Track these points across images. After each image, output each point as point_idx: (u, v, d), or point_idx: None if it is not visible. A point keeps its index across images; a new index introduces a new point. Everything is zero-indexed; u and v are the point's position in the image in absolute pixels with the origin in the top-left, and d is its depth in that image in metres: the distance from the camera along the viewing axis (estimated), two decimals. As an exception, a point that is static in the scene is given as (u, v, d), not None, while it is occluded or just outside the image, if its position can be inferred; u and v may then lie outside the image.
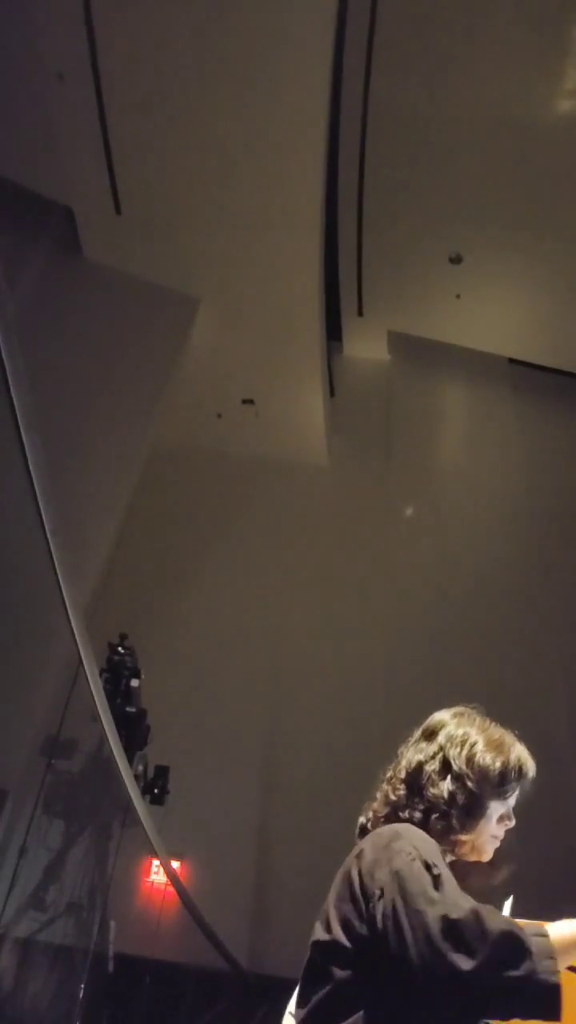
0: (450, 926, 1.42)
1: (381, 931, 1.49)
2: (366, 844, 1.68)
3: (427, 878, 1.51)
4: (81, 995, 6.51)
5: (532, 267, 10.37)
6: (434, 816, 1.71)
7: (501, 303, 10.98)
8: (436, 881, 1.50)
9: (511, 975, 1.40)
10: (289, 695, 10.32)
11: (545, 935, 1.47)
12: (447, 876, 1.53)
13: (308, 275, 9.75)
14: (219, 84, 8.09)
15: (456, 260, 10.48)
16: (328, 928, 1.61)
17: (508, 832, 1.83)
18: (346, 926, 1.58)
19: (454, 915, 1.43)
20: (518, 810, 1.86)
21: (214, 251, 9.67)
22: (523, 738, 1.92)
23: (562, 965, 1.45)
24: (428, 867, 1.53)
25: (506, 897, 2.21)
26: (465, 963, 1.39)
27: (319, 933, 1.63)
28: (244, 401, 11.44)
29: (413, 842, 1.60)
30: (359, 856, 1.65)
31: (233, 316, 10.35)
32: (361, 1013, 1.50)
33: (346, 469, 11.98)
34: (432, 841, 1.65)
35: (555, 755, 8.89)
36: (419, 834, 1.66)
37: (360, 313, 11.71)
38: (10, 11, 7.59)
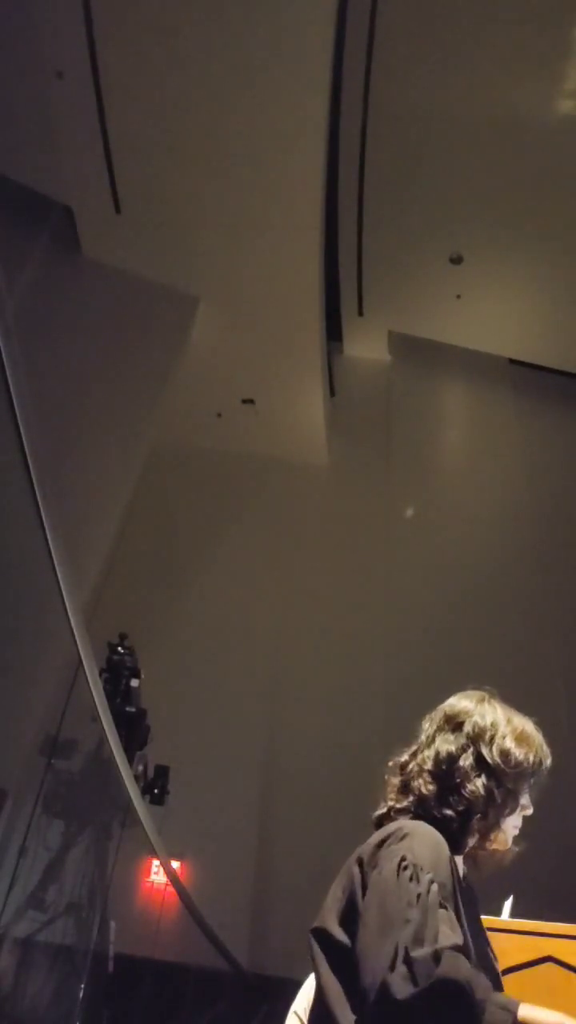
0: (405, 956, 1.35)
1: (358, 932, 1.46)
2: (374, 839, 1.63)
3: (410, 895, 1.44)
4: (81, 995, 6.51)
5: (533, 267, 10.37)
6: (476, 816, 1.65)
7: (501, 303, 10.97)
8: (419, 900, 1.43)
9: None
10: (289, 695, 10.32)
11: (508, 1009, 1.34)
12: (433, 903, 1.45)
13: (308, 275, 9.75)
14: (219, 83, 8.09)
15: (456, 260, 10.48)
16: (327, 920, 1.58)
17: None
18: (342, 920, 1.55)
19: (416, 950, 1.36)
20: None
21: (214, 250, 9.66)
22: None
23: None
24: (417, 880, 1.46)
25: (506, 897, 2.21)
26: (402, 992, 1.32)
27: (318, 923, 1.60)
28: (244, 401, 11.44)
29: (415, 846, 1.55)
30: (363, 850, 1.62)
31: (233, 316, 10.34)
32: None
33: (346, 469, 11.97)
34: (443, 845, 1.59)
35: (555, 755, 8.88)
36: (429, 838, 1.59)
37: (360, 313, 11.71)
38: (10, 9, 7.59)
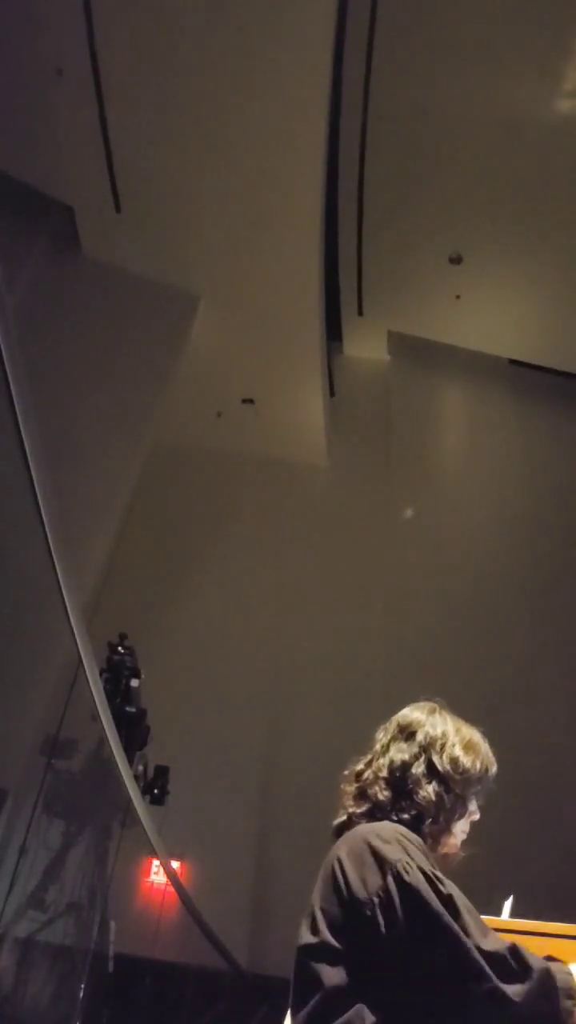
0: (490, 956, 1.48)
1: (392, 939, 1.51)
2: (344, 847, 1.68)
3: (433, 894, 1.53)
4: (81, 995, 6.51)
5: (533, 267, 10.37)
6: (428, 821, 1.74)
7: (501, 304, 10.97)
8: (449, 901, 1.53)
9: (547, 1009, 1.47)
10: (289, 695, 10.32)
11: (570, 974, 1.54)
12: (457, 893, 1.56)
13: (308, 275, 9.75)
14: (219, 82, 8.09)
15: (456, 260, 10.47)
16: (315, 931, 1.61)
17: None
18: (336, 930, 1.58)
19: (493, 947, 1.49)
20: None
21: (214, 250, 9.66)
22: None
23: None
24: (431, 880, 1.55)
25: (506, 897, 2.21)
26: (515, 992, 1.45)
27: (307, 937, 1.63)
28: (244, 401, 11.43)
29: (405, 846, 1.62)
30: (340, 859, 1.65)
31: (233, 315, 10.34)
32: (357, 1012, 1.50)
33: (346, 469, 11.97)
34: (418, 840, 1.68)
35: (555, 756, 8.89)
36: (400, 831, 1.67)
37: (360, 313, 11.71)
38: (9, 6, 7.58)
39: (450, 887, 1.57)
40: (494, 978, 1.45)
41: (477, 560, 10.28)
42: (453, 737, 1.85)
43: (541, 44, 8.45)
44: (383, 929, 1.51)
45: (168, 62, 8.05)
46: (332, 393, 11.93)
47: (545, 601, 9.98)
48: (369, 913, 1.54)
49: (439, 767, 1.79)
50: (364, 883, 1.58)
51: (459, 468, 11.75)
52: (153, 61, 8.08)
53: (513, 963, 1.48)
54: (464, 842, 1.86)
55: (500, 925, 2.03)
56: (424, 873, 1.55)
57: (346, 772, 1.88)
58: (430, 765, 1.79)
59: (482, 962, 1.46)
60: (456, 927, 1.49)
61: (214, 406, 11.54)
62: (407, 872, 1.55)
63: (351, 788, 1.85)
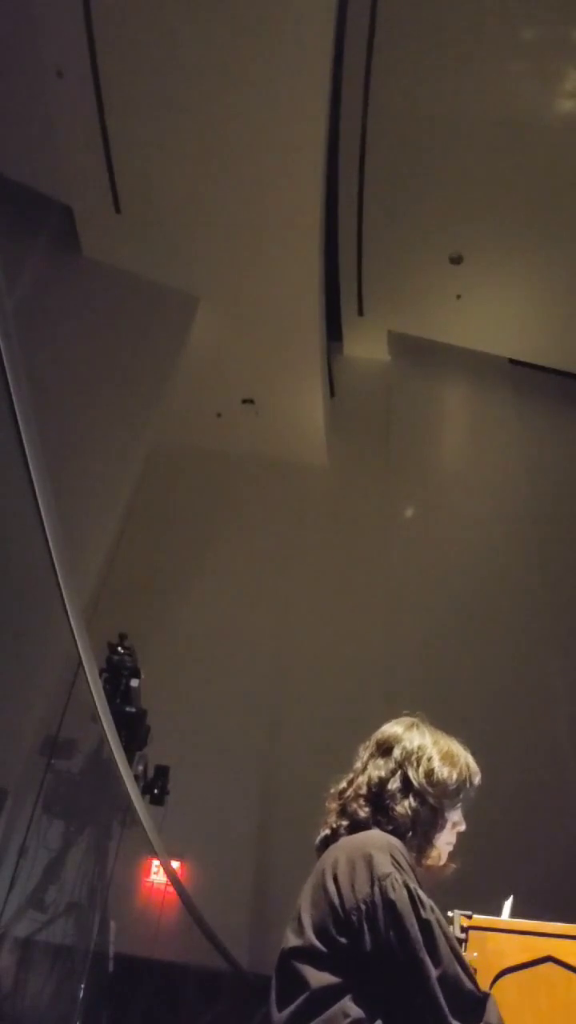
0: (448, 988, 1.53)
1: (371, 950, 1.55)
2: (338, 853, 1.72)
3: (412, 916, 1.56)
4: (81, 995, 6.51)
5: (533, 267, 10.36)
6: (408, 835, 1.77)
7: (502, 303, 10.96)
8: (427, 927, 1.56)
9: None
10: (289, 695, 10.32)
11: None
12: (436, 919, 1.60)
13: (308, 275, 9.74)
14: (219, 83, 8.09)
15: (456, 260, 10.47)
16: (301, 934, 1.65)
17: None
18: (322, 933, 1.62)
19: (465, 984, 1.56)
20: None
21: (214, 250, 9.66)
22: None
23: None
24: (413, 901, 1.58)
25: (506, 897, 2.21)
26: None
27: (292, 940, 1.67)
28: (244, 401, 11.43)
29: (395, 858, 1.65)
30: (334, 864, 1.69)
31: (233, 316, 10.34)
32: (339, 1011, 1.54)
33: (346, 469, 11.96)
34: (406, 853, 1.71)
35: (556, 756, 8.89)
36: (394, 845, 1.70)
37: (360, 313, 11.70)
38: (10, 8, 7.58)
39: (430, 912, 1.60)
40: (444, 1011, 1.50)
41: (477, 559, 10.28)
42: (430, 750, 1.86)
43: (541, 44, 8.45)
44: (364, 938, 1.55)
45: (168, 63, 8.04)
46: (332, 393, 11.92)
47: (546, 600, 9.98)
48: (355, 919, 1.58)
49: (414, 781, 1.81)
50: (353, 890, 1.61)
51: (459, 468, 11.74)
52: (153, 62, 8.08)
53: (470, 1005, 1.53)
54: (458, 850, 1.88)
55: (500, 925, 2.04)
56: (410, 893, 1.59)
57: (331, 791, 1.92)
58: (405, 780, 1.81)
59: (437, 993, 1.51)
60: (422, 954, 1.53)
61: (214, 406, 11.53)
62: (393, 888, 1.58)
63: (334, 805, 1.89)
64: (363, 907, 1.58)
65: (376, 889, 1.58)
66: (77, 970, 6.77)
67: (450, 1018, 1.50)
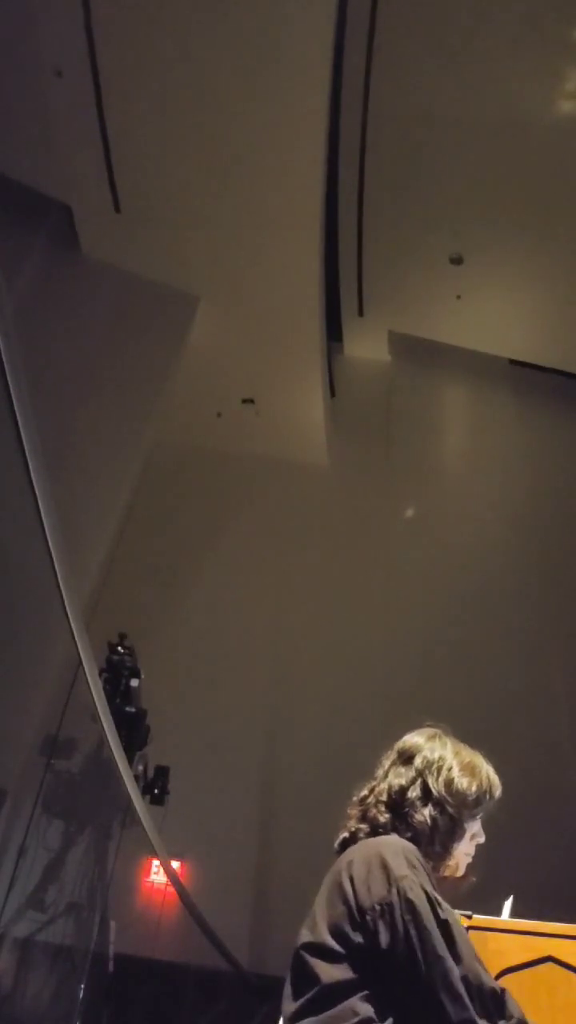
0: (472, 987, 1.57)
1: (387, 950, 1.58)
2: (355, 855, 1.75)
3: (433, 917, 1.60)
4: (81, 995, 6.52)
5: (533, 268, 10.36)
6: (425, 843, 1.79)
7: (502, 304, 10.96)
8: (445, 927, 1.60)
9: None
10: (289, 694, 10.31)
11: None
12: (454, 920, 1.63)
13: (308, 275, 9.74)
14: (219, 83, 8.08)
15: (456, 260, 10.47)
16: (316, 932, 1.68)
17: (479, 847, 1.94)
18: (336, 932, 1.64)
19: (485, 981, 1.60)
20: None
21: (214, 250, 9.65)
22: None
23: None
24: (431, 903, 1.61)
25: (506, 897, 2.21)
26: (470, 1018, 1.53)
27: (306, 937, 1.70)
28: (244, 401, 11.43)
29: (410, 861, 1.68)
30: (350, 865, 1.72)
31: (233, 316, 10.34)
32: (348, 1008, 1.56)
33: (346, 469, 11.96)
34: (421, 858, 1.73)
35: (556, 757, 8.89)
36: (409, 848, 1.73)
37: (360, 313, 11.70)
38: (9, 7, 7.58)
39: (448, 913, 1.63)
40: (470, 1009, 1.52)
41: (477, 559, 10.29)
42: (451, 760, 1.89)
43: (541, 44, 8.45)
44: (380, 938, 1.58)
45: (167, 62, 8.04)
46: (332, 393, 11.92)
47: (546, 600, 9.98)
48: (370, 919, 1.61)
49: (433, 790, 1.83)
50: (369, 891, 1.64)
51: (459, 468, 11.75)
52: (152, 61, 8.08)
53: (492, 1003, 1.57)
54: (476, 863, 1.91)
55: (500, 925, 2.04)
56: (427, 894, 1.62)
57: (352, 798, 1.94)
58: (425, 788, 1.84)
59: (462, 991, 1.53)
60: (444, 952, 1.55)
61: (214, 406, 11.53)
62: (411, 889, 1.61)
63: (354, 811, 1.91)
64: (379, 907, 1.61)
65: (393, 890, 1.61)
66: (77, 970, 6.77)
67: (475, 1016, 1.52)
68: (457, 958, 1.58)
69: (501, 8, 8.15)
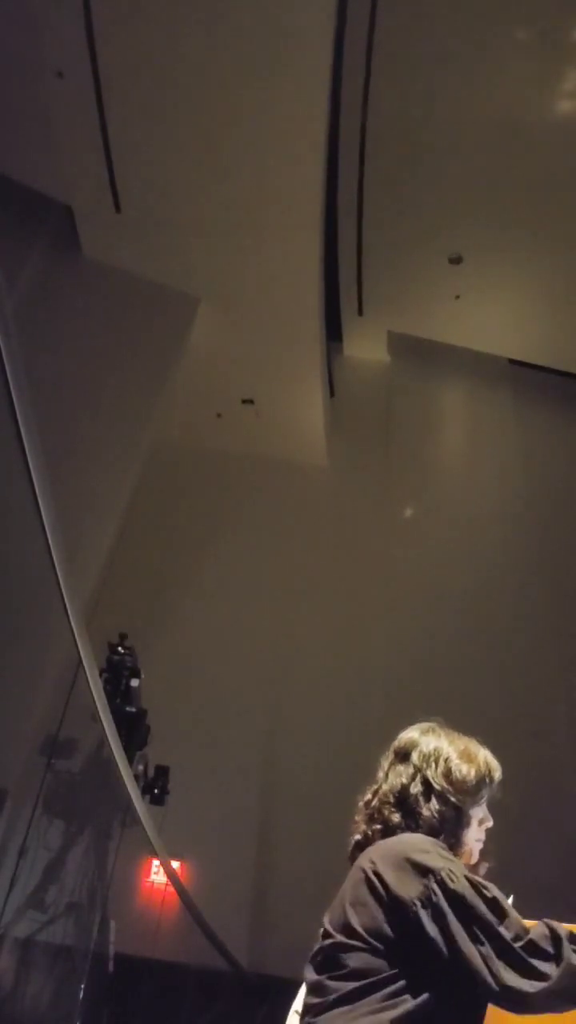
0: (530, 943, 1.58)
1: (436, 940, 1.59)
2: (378, 853, 1.76)
3: (480, 898, 1.62)
4: (81, 995, 6.52)
5: (532, 267, 10.36)
6: (439, 837, 1.80)
7: (501, 304, 10.97)
8: (494, 904, 1.62)
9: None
10: (289, 695, 10.32)
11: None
12: (499, 895, 1.65)
13: (308, 275, 9.74)
14: (219, 83, 8.09)
15: (456, 260, 10.47)
16: (351, 933, 1.68)
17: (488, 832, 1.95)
18: (372, 930, 1.66)
19: (530, 934, 1.59)
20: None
21: (214, 251, 9.66)
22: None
23: None
24: (474, 885, 1.64)
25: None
26: (551, 969, 1.55)
27: (340, 937, 1.71)
28: (244, 401, 11.43)
29: (440, 852, 1.71)
30: (375, 863, 1.73)
31: (233, 316, 10.34)
32: (383, 1002, 1.59)
33: (346, 469, 11.97)
34: (445, 847, 1.76)
35: (555, 756, 8.89)
36: (437, 844, 1.75)
37: (360, 313, 11.70)
38: (9, 7, 7.58)
39: (494, 890, 1.64)
40: (539, 970, 1.55)
41: (477, 559, 10.29)
42: (447, 750, 1.90)
43: (541, 44, 8.45)
44: (428, 930, 1.59)
45: (168, 63, 8.05)
46: (332, 393, 11.93)
47: (544, 600, 9.98)
48: (412, 915, 1.62)
49: (433, 783, 1.85)
50: (405, 886, 1.65)
51: (459, 468, 11.75)
52: (153, 62, 8.08)
53: (551, 947, 1.57)
54: (488, 848, 1.93)
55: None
56: (468, 880, 1.64)
57: (359, 804, 1.95)
58: (425, 782, 1.86)
59: (526, 956, 1.56)
60: (500, 927, 1.58)
61: (214, 406, 11.53)
62: (452, 880, 1.63)
63: (362, 816, 1.92)
64: (420, 902, 1.62)
65: (433, 884, 1.63)
66: (77, 970, 6.77)
67: (548, 974, 1.54)
68: (511, 926, 1.60)
69: (501, 9, 8.15)
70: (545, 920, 1.64)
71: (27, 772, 7.53)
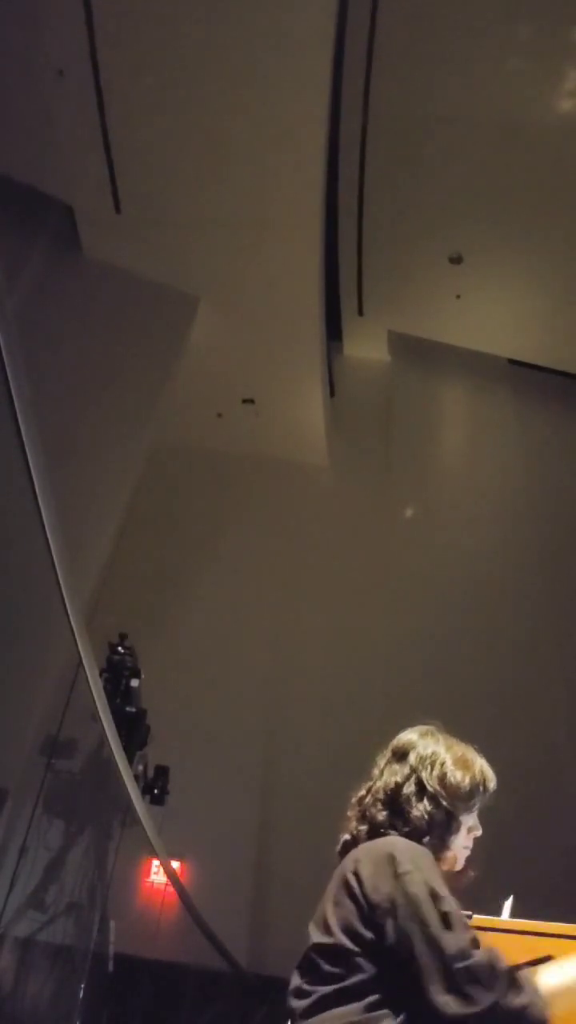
0: (467, 967, 1.57)
1: (393, 945, 1.61)
2: (361, 853, 1.78)
3: (435, 910, 1.62)
4: (81, 995, 6.52)
5: (532, 267, 10.37)
6: (424, 839, 1.82)
7: (501, 303, 10.96)
8: (445, 918, 1.62)
9: (512, 1010, 1.56)
10: (289, 695, 10.32)
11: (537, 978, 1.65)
12: (453, 907, 1.65)
13: (308, 274, 9.74)
14: (220, 83, 8.08)
15: (456, 260, 10.47)
16: (329, 932, 1.70)
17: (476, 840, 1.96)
18: (348, 930, 1.67)
19: (472, 958, 1.58)
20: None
21: (214, 250, 9.65)
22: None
23: (557, 1005, 1.62)
24: (434, 896, 1.64)
25: (506, 897, 2.21)
26: (483, 999, 1.55)
27: (318, 937, 1.73)
28: (244, 401, 11.43)
29: (416, 860, 1.71)
30: (356, 863, 1.75)
31: (233, 316, 10.34)
32: (363, 1006, 1.60)
33: (346, 469, 11.97)
34: (429, 855, 1.77)
35: (556, 755, 8.89)
36: (417, 849, 1.77)
37: (360, 313, 11.70)
38: (10, 6, 7.58)
39: (450, 904, 1.64)
40: (475, 999, 1.54)
41: (477, 559, 10.29)
42: (444, 755, 1.92)
43: (541, 44, 8.45)
44: (386, 933, 1.62)
45: (168, 62, 8.04)
46: (332, 393, 11.93)
47: (545, 600, 9.98)
48: (378, 917, 1.64)
49: (427, 785, 1.87)
50: (377, 889, 1.67)
51: (459, 468, 11.75)
52: (153, 61, 8.08)
53: (483, 974, 1.56)
54: (475, 856, 1.93)
55: (500, 925, 2.04)
56: (429, 888, 1.65)
57: (351, 799, 1.97)
58: (419, 784, 1.87)
59: (461, 982, 1.55)
60: (446, 944, 1.58)
61: (214, 406, 11.53)
62: (412, 884, 1.64)
63: (354, 813, 1.94)
64: (387, 905, 1.64)
65: (398, 887, 1.65)
66: (77, 970, 6.77)
67: (483, 1004, 1.54)
68: (457, 942, 1.60)
69: (501, 9, 8.15)
70: (494, 949, 1.64)
71: (27, 772, 7.53)
